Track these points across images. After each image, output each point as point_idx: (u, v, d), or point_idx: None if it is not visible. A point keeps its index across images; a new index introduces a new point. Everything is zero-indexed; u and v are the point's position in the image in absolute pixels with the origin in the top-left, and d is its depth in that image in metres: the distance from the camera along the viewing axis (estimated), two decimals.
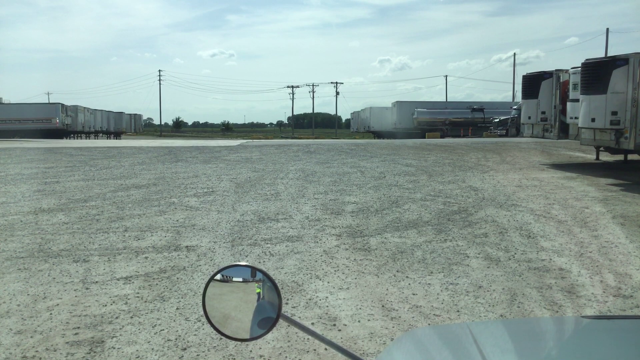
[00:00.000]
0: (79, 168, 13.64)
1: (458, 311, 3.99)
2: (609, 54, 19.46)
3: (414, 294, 4.34)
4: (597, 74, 12.16)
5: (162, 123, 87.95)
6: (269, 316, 1.25)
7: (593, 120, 12.27)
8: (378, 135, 44.65)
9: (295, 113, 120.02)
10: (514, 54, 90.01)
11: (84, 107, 43.61)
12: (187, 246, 5.83)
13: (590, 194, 9.16)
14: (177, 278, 4.76)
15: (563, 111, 15.32)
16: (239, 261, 4.05)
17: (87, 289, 4.49)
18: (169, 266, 5.11)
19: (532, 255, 5.43)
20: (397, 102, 44.98)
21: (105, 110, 50.13)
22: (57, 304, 4.13)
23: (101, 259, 5.37)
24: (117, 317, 3.87)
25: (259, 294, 1.28)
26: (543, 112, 15.89)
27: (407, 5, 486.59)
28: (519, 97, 29.67)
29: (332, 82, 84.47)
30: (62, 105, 39.46)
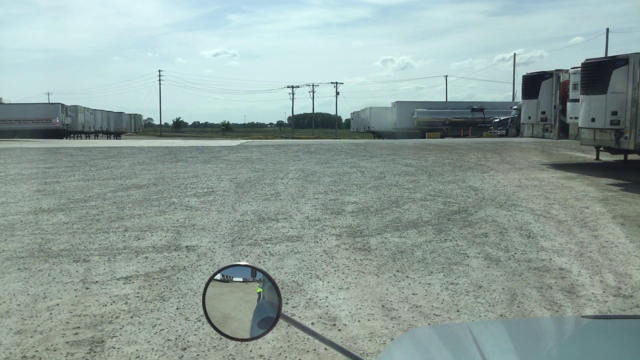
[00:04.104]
0: (79, 168, 13.64)
1: (458, 311, 3.99)
2: (609, 54, 19.46)
3: (414, 294, 4.34)
4: (597, 74, 12.15)
5: (162, 123, 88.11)
6: (269, 316, 1.25)
7: (593, 120, 12.27)
8: (378, 135, 44.65)
9: (295, 113, 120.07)
10: (514, 54, 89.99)
11: (84, 107, 43.60)
12: (187, 246, 5.83)
13: (590, 194, 9.16)
14: (177, 278, 4.76)
15: (563, 111, 15.31)
16: (239, 261, 4.06)
17: (87, 288, 4.49)
18: (169, 266, 5.11)
19: (532, 255, 5.43)
20: (397, 102, 45.00)
21: (105, 110, 50.12)
22: (57, 304, 4.13)
23: (101, 258, 5.37)
24: (117, 317, 3.87)
25: (259, 293, 1.28)
26: (543, 112, 15.89)
27: (409, 5, 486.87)
28: (519, 97, 29.70)
29: (332, 82, 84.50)
30: (62, 105, 39.46)
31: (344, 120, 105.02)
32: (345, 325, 3.72)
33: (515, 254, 5.50)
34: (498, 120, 35.49)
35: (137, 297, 4.29)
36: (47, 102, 53.20)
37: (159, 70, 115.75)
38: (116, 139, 46.38)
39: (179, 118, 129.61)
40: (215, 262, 5.24)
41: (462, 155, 16.38)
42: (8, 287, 4.52)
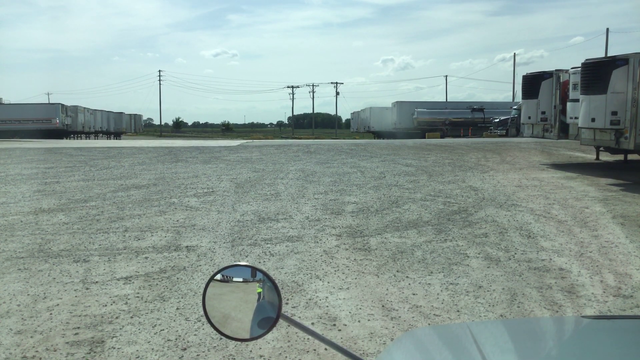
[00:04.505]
0: (79, 168, 13.64)
1: (458, 311, 3.99)
2: (609, 54, 19.46)
3: (414, 294, 4.34)
4: (597, 74, 12.16)
5: (162, 123, 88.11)
6: (269, 316, 1.25)
7: (593, 120, 12.27)
8: (378, 135, 44.66)
9: (295, 113, 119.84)
10: (514, 54, 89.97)
11: (84, 108, 43.61)
12: (187, 246, 5.84)
13: (590, 194, 9.16)
14: (177, 278, 4.76)
15: (563, 111, 15.32)
16: (239, 261, 4.05)
17: (87, 289, 4.50)
18: (169, 266, 5.11)
19: (532, 255, 5.43)
20: (397, 102, 45.00)
21: (105, 111, 50.13)
22: (57, 304, 4.13)
23: (101, 259, 5.37)
24: (117, 317, 3.87)
25: (259, 294, 1.28)
26: (543, 112, 15.89)
27: (409, 5, 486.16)
28: (519, 97, 29.71)
29: (332, 82, 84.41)
30: (62, 105, 39.46)
31: (344, 120, 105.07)
32: (345, 325, 3.72)
33: (515, 254, 5.50)
34: (498, 120, 35.50)
35: (137, 297, 4.29)
36: (47, 102, 53.23)
37: (159, 70, 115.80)
38: (116, 139, 46.39)
39: (179, 118, 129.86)
40: (215, 262, 5.24)
41: (462, 155, 16.38)
42: (8, 288, 4.52)
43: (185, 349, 3.36)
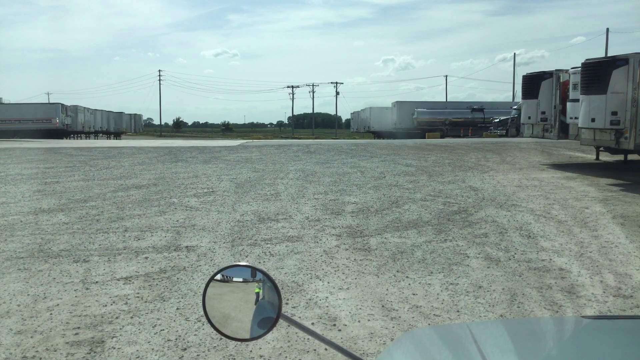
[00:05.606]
0: (79, 168, 13.64)
1: (458, 311, 3.99)
2: (609, 54, 19.46)
3: (414, 294, 4.34)
4: (597, 74, 12.16)
5: (162, 123, 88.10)
6: (269, 316, 1.25)
7: (593, 120, 12.28)
8: (378, 135, 44.65)
9: (295, 113, 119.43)
10: (514, 54, 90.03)
11: (84, 107, 43.62)
12: (187, 246, 5.84)
13: (590, 194, 9.16)
14: (177, 278, 4.76)
15: (563, 111, 15.32)
16: (239, 261, 4.05)
17: (87, 289, 4.50)
18: (169, 266, 5.11)
19: (532, 256, 5.43)
20: (397, 102, 45.00)
21: (105, 110, 50.14)
22: (57, 304, 4.13)
23: (101, 259, 5.37)
24: (117, 317, 3.87)
25: (258, 294, 1.28)
26: (543, 112, 15.90)
27: (409, 5, 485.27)
28: (519, 97, 29.69)
29: (332, 82, 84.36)
30: (62, 105, 39.47)
31: (344, 120, 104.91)
32: (346, 325, 3.72)
33: (515, 254, 5.50)
34: (498, 120, 35.50)
35: (137, 297, 4.29)
36: (47, 102, 53.18)
37: (159, 70, 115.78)
38: (116, 139, 46.38)
39: (179, 118, 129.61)
40: (215, 262, 5.24)
41: (462, 156, 16.38)
42: (8, 288, 4.52)
43: (185, 349, 3.36)
